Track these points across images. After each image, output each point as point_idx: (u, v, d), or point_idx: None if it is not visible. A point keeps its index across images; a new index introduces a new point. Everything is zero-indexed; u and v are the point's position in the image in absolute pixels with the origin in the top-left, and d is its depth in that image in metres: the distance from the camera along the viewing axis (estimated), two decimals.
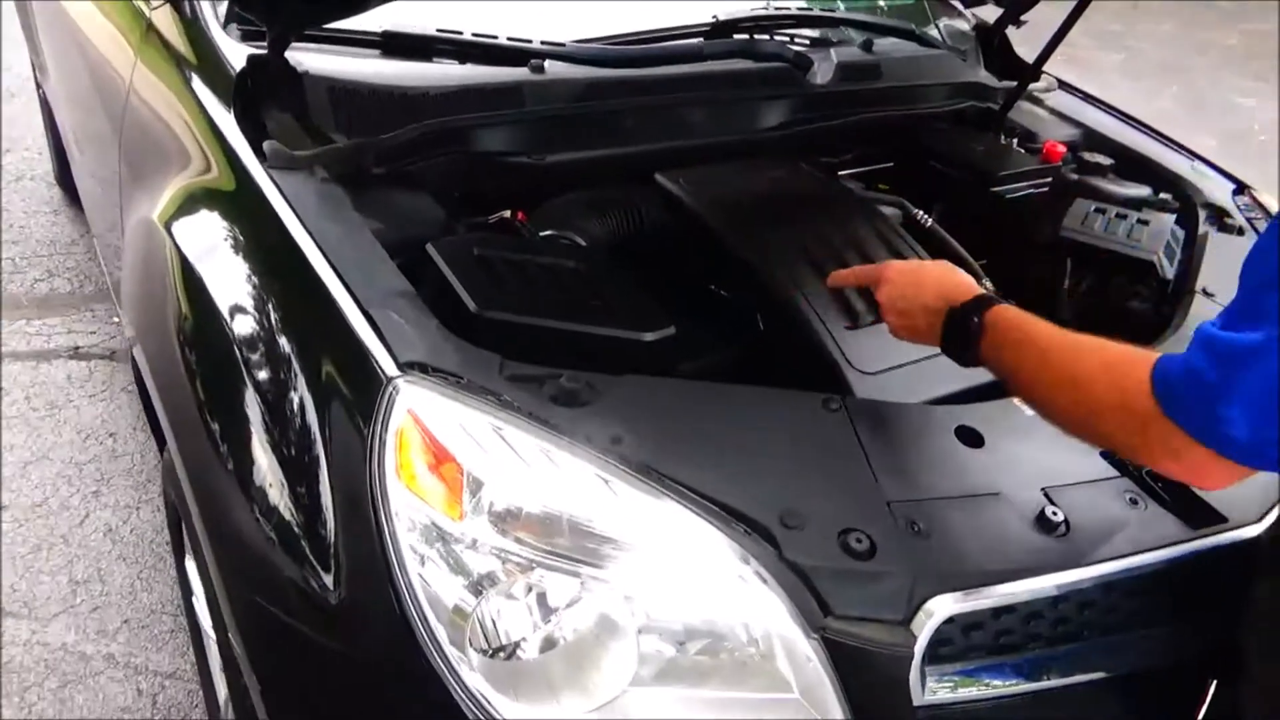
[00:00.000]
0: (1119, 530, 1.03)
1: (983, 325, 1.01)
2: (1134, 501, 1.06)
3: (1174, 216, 1.57)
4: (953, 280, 1.10)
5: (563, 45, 1.52)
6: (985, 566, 0.96)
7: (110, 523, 2.10)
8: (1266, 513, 1.08)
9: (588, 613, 0.92)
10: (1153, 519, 1.05)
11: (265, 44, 1.35)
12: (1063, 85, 2.01)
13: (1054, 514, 1.01)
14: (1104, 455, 1.11)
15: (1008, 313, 1.01)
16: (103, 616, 1.88)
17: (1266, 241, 0.79)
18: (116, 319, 2.73)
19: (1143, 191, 1.65)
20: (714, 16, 1.70)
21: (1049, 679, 0.99)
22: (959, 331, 1.04)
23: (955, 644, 0.96)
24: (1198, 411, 0.80)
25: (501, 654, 0.91)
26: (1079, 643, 1.01)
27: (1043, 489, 1.05)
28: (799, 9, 1.94)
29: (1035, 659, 0.99)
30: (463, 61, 1.49)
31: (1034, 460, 1.08)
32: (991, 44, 1.98)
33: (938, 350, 1.22)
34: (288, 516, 1.03)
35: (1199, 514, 1.07)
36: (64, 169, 3.17)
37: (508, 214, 1.42)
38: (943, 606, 0.93)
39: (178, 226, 1.34)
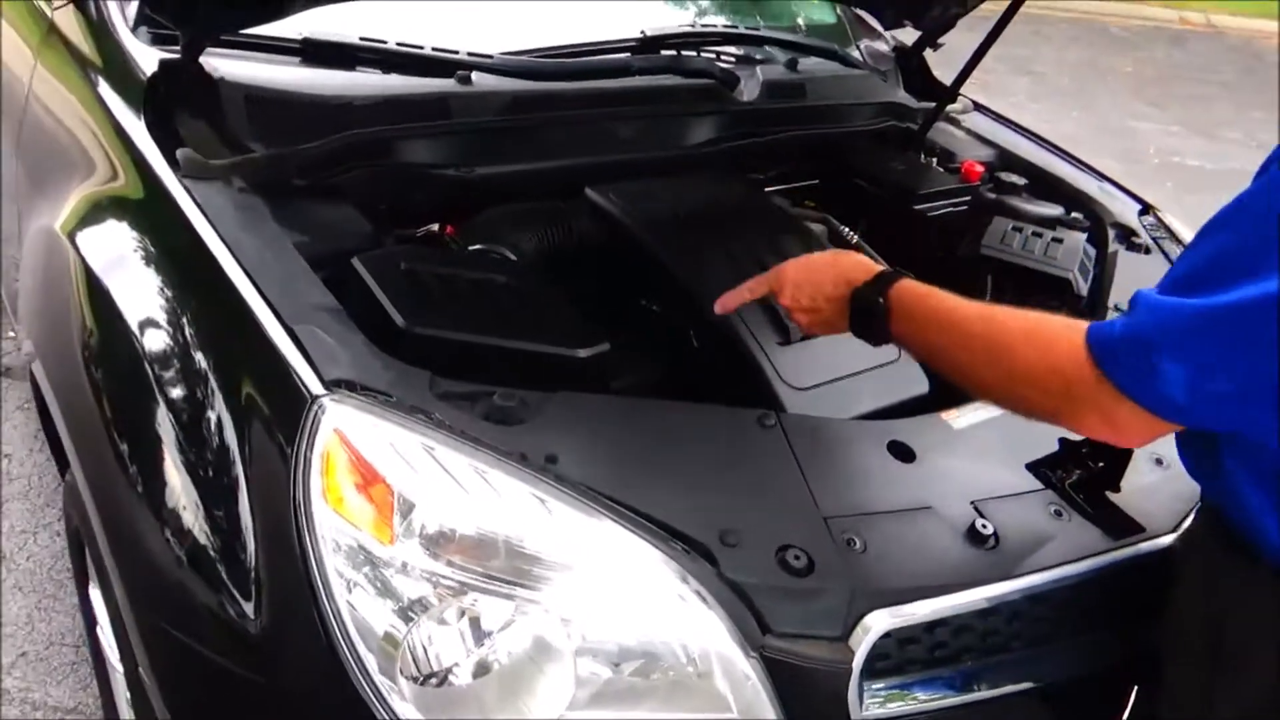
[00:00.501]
0: (1045, 542, 1.05)
1: (888, 304, 1.01)
2: (1058, 513, 1.09)
3: (1085, 235, 1.63)
4: (848, 262, 1.09)
5: (489, 57, 1.50)
6: (920, 581, 0.97)
7: (5, 549, 1.98)
8: (1180, 522, 1.12)
9: (522, 636, 0.90)
10: (1076, 530, 1.08)
11: (178, 49, 1.29)
12: (978, 107, 2.07)
13: (984, 527, 1.03)
14: (1028, 468, 1.14)
15: (911, 287, 1.01)
16: None
17: (1221, 215, 0.81)
18: (12, 334, 2.59)
19: (1056, 211, 1.71)
20: (642, 32, 1.70)
21: (980, 690, 1.01)
22: (866, 313, 1.03)
23: (892, 658, 0.96)
24: (1136, 369, 0.81)
25: (433, 681, 0.88)
26: (1008, 653, 1.03)
27: (972, 502, 1.07)
28: (725, 27, 1.95)
29: (968, 671, 1.01)
30: (387, 71, 1.45)
31: (963, 473, 1.10)
32: (910, 65, 2.03)
33: (868, 365, 1.24)
34: (203, 541, 0.99)
35: (1118, 525, 1.10)
36: None
37: (436, 228, 1.39)
38: (879, 621, 0.93)
39: (82, 236, 1.28)
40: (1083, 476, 1.14)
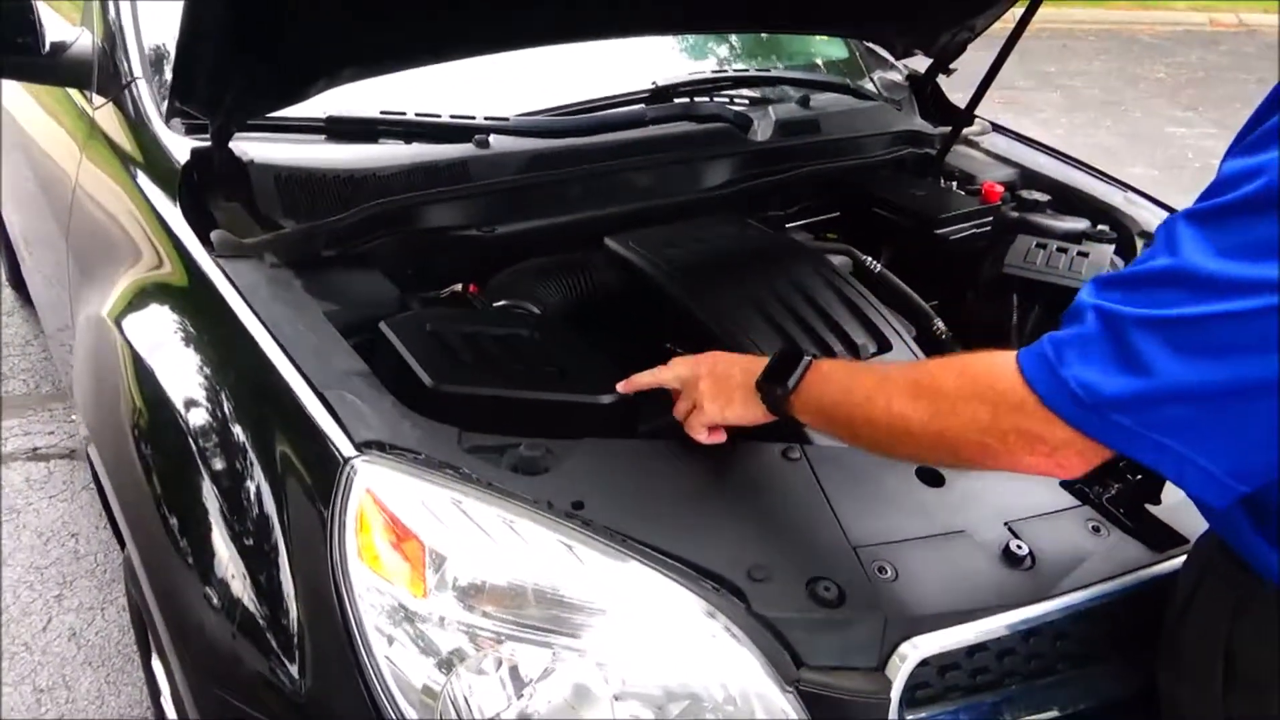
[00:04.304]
0: (1085, 559, 1.04)
1: (808, 364, 0.98)
2: (1096, 529, 1.07)
3: (1113, 247, 1.61)
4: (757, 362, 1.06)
5: (506, 120, 1.55)
6: (955, 605, 0.96)
7: (74, 626, 2.04)
8: None
9: (562, 684, 0.91)
10: (1117, 545, 1.06)
11: (208, 136, 1.36)
12: (996, 128, 2.07)
13: (1019, 547, 1.02)
14: (1064, 485, 1.12)
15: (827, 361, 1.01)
16: None
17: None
18: (74, 417, 2.69)
19: (1080, 225, 1.70)
20: (653, 83, 1.74)
21: (1028, 715, 0.99)
22: (777, 371, 1.00)
23: (933, 686, 0.96)
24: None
25: None
26: (1055, 676, 1.01)
27: (1006, 523, 1.06)
28: (735, 71, 1.99)
29: (1014, 696, 0.99)
30: (408, 141, 1.50)
31: (995, 495, 1.09)
32: (925, 93, 2.04)
33: None
34: (250, 607, 1.02)
35: (1161, 537, 1.08)
36: (14, 270, 3.14)
37: (459, 287, 1.43)
38: (915, 649, 0.93)
39: (128, 322, 1.33)
40: (1121, 491, 1.13)
